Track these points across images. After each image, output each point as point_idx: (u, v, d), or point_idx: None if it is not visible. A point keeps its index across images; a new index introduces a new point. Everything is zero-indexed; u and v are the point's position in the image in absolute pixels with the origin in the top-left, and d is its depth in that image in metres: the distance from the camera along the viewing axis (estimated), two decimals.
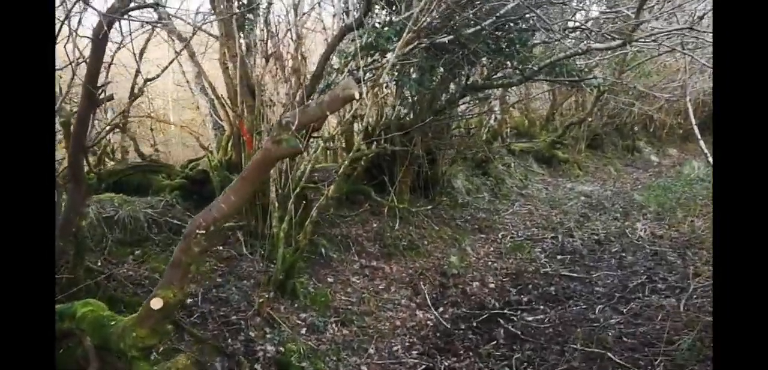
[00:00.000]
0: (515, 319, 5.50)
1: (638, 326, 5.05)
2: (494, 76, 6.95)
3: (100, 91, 3.67)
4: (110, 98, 3.76)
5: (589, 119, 13.69)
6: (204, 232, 2.98)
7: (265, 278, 5.32)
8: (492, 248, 7.90)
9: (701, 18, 5.18)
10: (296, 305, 5.23)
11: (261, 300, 4.82)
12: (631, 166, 16.01)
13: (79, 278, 3.99)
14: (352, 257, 6.52)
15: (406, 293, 6.06)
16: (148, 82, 5.05)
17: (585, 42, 5.78)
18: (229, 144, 7.77)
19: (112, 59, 4.66)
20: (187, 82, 7.39)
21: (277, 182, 5.67)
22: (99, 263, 4.64)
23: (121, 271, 4.84)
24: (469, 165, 11.11)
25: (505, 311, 5.69)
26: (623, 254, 7.39)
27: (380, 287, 6.06)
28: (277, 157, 3.11)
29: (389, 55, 5.44)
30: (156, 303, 3.10)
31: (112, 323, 3.28)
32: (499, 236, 8.47)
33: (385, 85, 7.16)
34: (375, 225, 7.22)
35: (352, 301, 5.64)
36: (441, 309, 5.79)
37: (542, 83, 12.57)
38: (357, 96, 2.79)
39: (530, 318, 5.50)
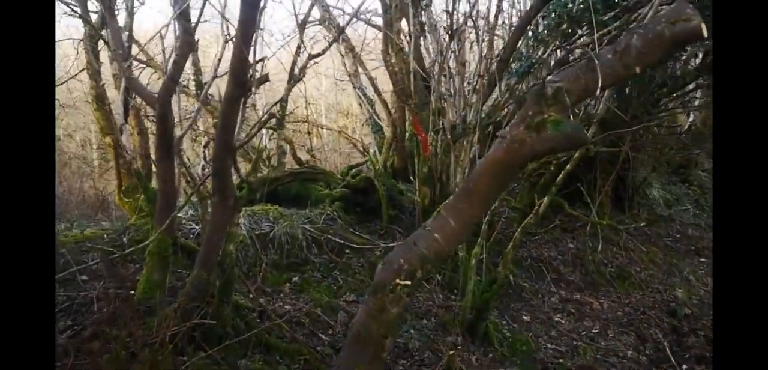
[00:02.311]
0: None
1: None
2: None
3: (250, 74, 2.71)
4: (265, 80, 2.78)
5: None
6: (408, 282, 1.82)
7: (450, 317, 4.15)
8: None
9: None
10: (491, 355, 4.00)
11: (451, 352, 3.62)
12: None
13: (225, 318, 3.05)
14: (549, 288, 5.17)
15: (629, 341, 4.58)
16: (312, 60, 4.06)
17: None
18: (392, 148, 6.77)
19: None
20: (349, 75, 6.46)
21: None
22: (250, 295, 3.71)
23: (275, 305, 3.89)
24: (664, 171, 9.25)
25: None
26: None
27: (594, 331, 4.64)
28: (536, 154, 1.89)
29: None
30: None
31: None
32: None
33: None
34: (571, 245, 5.80)
35: (562, 350, 4.28)
36: (685, 368, 4.24)
37: None
38: (704, 32, 1.52)
39: None
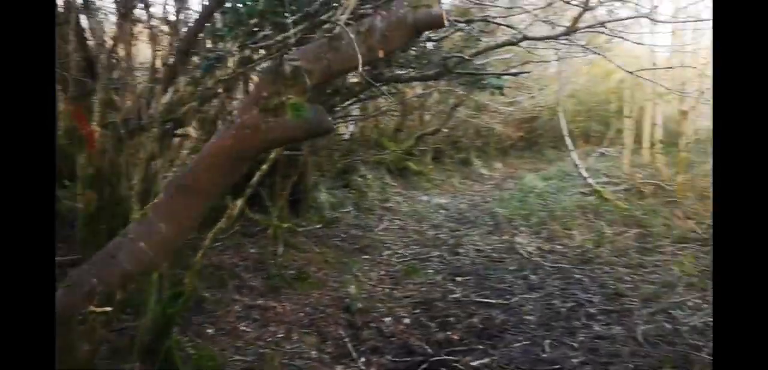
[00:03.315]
0: (460, 366, 4.42)
1: (608, 365, 4.29)
2: (402, 72, 5.84)
3: None
4: None
5: (445, 129, 13.32)
6: (106, 309, 1.38)
7: (125, 342, 3.57)
8: (383, 272, 6.77)
9: (656, 7, 4.67)
10: None
11: None
12: (468, 178, 16.07)
13: None
14: (232, 296, 4.93)
15: (312, 341, 4.64)
16: None
17: (518, 32, 4.94)
18: None
19: None
20: None
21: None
22: None
23: None
24: (329, 177, 9.93)
25: (442, 356, 4.59)
26: (525, 274, 6.75)
27: (279, 335, 4.57)
28: (273, 142, 1.63)
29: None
30: None
31: None
32: (384, 256, 7.39)
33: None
34: (253, 250, 5.68)
35: (249, 360, 4.10)
36: (364, 361, 4.49)
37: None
38: (445, 20, 1.49)
39: (476, 363, 4.47)
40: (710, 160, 11.57)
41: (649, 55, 11.75)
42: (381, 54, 1.76)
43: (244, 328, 4.52)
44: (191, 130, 3.84)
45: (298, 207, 7.54)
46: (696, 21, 7.94)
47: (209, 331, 4.31)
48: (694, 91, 9.43)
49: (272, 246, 5.75)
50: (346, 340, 4.70)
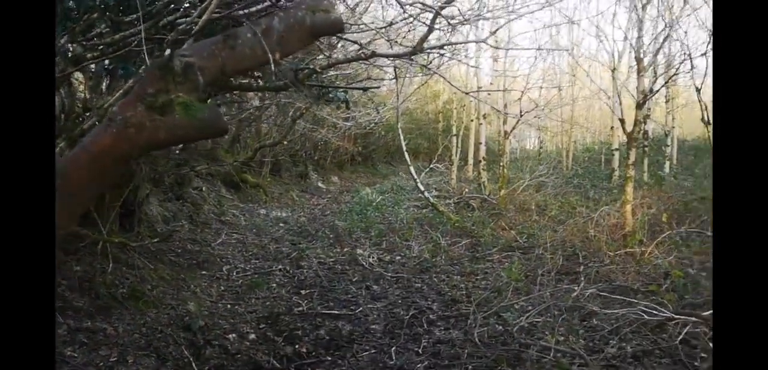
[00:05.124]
0: None
1: (450, 367, 4.51)
2: (245, 81, 5.64)
3: None
4: None
5: (285, 142, 13.17)
6: None
7: None
8: (223, 287, 6.49)
9: (494, 32, 5.03)
10: None
11: None
12: (306, 192, 16.08)
13: None
14: (55, 319, 4.37)
15: (150, 363, 4.28)
16: None
17: (366, 48, 5.04)
18: None
19: None
20: None
21: None
22: None
23: None
24: (162, 189, 9.30)
25: None
26: (368, 284, 6.90)
27: (111, 360, 4.14)
28: (160, 143, 1.45)
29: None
30: None
31: None
32: (224, 271, 7.10)
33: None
34: (77, 268, 5.10)
35: None
36: None
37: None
38: (343, 27, 1.45)
39: None
40: (527, 176, 12.84)
41: (475, 79, 12.74)
42: (278, 57, 1.67)
43: (71, 353, 4.04)
44: None
45: (128, 221, 6.96)
46: (519, 49, 8.74)
47: None
48: (515, 114, 10.36)
49: (100, 263, 5.22)
50: (189, 359, 4.41)
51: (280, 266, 7.62)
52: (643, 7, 8.96)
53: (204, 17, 2.38)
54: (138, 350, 4.41)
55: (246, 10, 2.36)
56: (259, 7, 2.33)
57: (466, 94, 6.27)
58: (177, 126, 1.50)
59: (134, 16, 4.05)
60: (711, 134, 5.78)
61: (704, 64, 16.21)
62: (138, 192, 7.25)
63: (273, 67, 1.66)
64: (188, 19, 3.22)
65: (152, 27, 3.99)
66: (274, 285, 6.79)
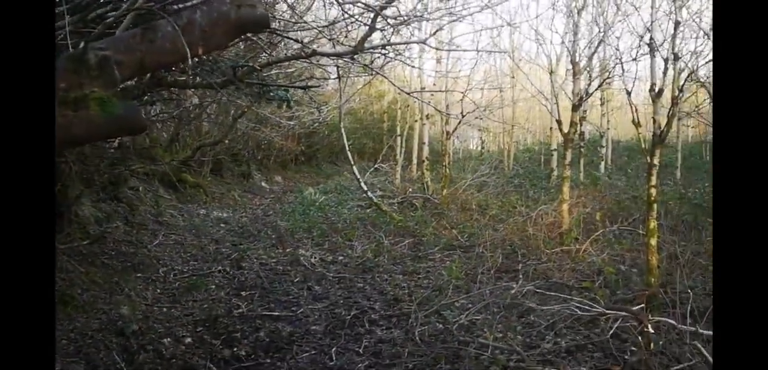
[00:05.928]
0: None
1: (390, 366, 4.52)
2: (183, 78, 5.48)
3: None
4: None
5: (226, 141, 12.89)
6: None
7: None
8: (159, 290, 6.31)
9: (435, 33, 5.07)
10: None
11: None
12: (249, 192, 15.82)
13: None
14: None
15: None
16: None
17: (309, 46, 4.99)
18: None
19: None
20: None
21: None
22: None
23: None
24: (95, 189, 8.94)
25: None
26: (309, 284, 6.84)
27: None
28: (74, 140, 1.38)
29: None
30: None
31: None
32: (161, 273, 6.89)
33: None
34: None
35: None
36: None
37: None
38: (269, 22, 1.41)
39: None
40: (469, 175, 13.05)
41: (418, 79, 12.84)
42: (201, 51, 1.62)
43: None
44: None
45: (58, 222, 6.65)
46: (461, 51, 8.88)
47: None
48: (458, 115, 10.51)
49: None
50: (121, 365, 4.25)
51: (219, 268, 7.46)
52: (579, 13, 9.25)
53: (132, 11, 2.29)
54: (66, 357, 4.23)
55: (176, 5, 2.28)
56: (187, 3, 2.27)
57: (409, 94, 6.31)
58: (92, 123, 1.43)
59: (61, 8, 3.89)
60: (640, 136, 6.02)
61: (635, 69, 16.86)
62: (68, 192, 6.96)
63: (191, 62, 1.62)
64: (116, 13, 3.10)
65: (80, 20, 3.83)
66: (213, 287, 6.63)
